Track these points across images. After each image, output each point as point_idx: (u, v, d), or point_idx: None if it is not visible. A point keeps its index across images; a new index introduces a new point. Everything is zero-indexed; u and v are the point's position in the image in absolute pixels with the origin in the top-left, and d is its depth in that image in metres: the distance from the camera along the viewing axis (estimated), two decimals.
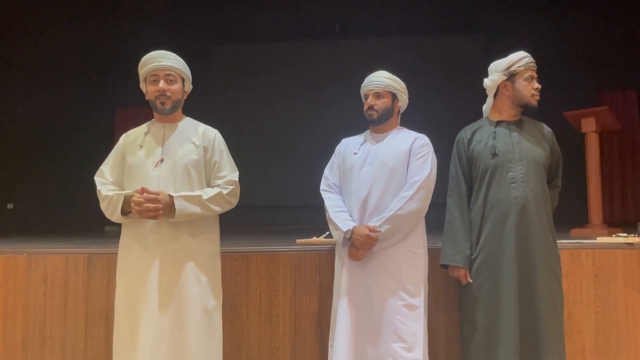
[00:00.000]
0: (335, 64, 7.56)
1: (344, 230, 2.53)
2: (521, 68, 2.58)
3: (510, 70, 2.59)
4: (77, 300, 3.00)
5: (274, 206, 7.50)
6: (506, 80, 2.61)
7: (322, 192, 2.77)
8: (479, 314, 2.51)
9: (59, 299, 3.01)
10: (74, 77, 7.28)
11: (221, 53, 7.94)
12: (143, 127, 2.58)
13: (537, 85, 2.59)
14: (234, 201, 2.54)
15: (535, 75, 2.59)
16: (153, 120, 2.60)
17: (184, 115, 2.63)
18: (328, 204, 2.69)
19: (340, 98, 6.57)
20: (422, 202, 2.54)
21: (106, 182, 2.50)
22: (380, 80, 2.68)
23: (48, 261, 3.05)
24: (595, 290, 2.93)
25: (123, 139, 2.58)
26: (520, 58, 2.59)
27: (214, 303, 2.47)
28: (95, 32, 7.40)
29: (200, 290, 2.41)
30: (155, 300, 2.32)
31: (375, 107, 2.68)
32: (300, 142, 7.46)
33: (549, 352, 2.41)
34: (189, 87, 2.61)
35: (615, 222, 5.43)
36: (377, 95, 2.68)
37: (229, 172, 2.55)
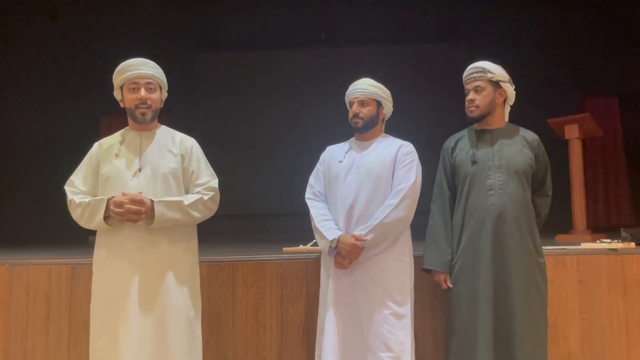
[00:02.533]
0: (320, 71, 7.57)
1: (330, 239, 2.53)
2: (465, 85, 2.67)
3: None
4: (60, 312, 2.95)
5: (260, 214, 7.48)
6: None
7: (307, 201, 2.77)
8: (457, 320, 2.55)
9: (41, 310, 2.96)
10: (57, 86, 7.21)
11: (206, 60, 7.92)
12: (117, 136, 2.53)
13: (469, 97, 2.62)
14: (214, 208, 2.51)
15: (470, 87, 2.62)
16: (127, 128, 2.54)
17: (159, 124, 2.58)
18: (313, 212, 2.68)
19: (325, 106, 6.57)
20: (408, 210, 2.55)
21: (78, 191, 2.43)
22: (365, 87, 2.68)
23: (30, 272, 3.00)
24: (580, 296, 2.95)
25: (96, 147, 2.51)
26: (463, 77, 2.67)
27: (194, 313, 2.45)
28: (79, 40, 7.34)
29: (183, 300, 2.39)
30: (137, 309, 2.28)
31: (361, 114, 2.68)
32: (285, 149, 7.45)
33: (523, 358, 2.42)
34: (164, 95, 2.57)
35: (599, 228, 5.49)
36: (362, 103, 2.68)
37: (209, 179, 2.52)
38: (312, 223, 2.67)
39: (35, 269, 3.00)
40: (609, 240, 3.19)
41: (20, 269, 3.00)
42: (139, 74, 2.40)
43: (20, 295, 2.98)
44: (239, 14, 7.75)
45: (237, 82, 7.79)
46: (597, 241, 3.23)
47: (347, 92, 2.76)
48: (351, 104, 2.73)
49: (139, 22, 7.40)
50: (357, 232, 2.52)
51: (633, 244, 3.12)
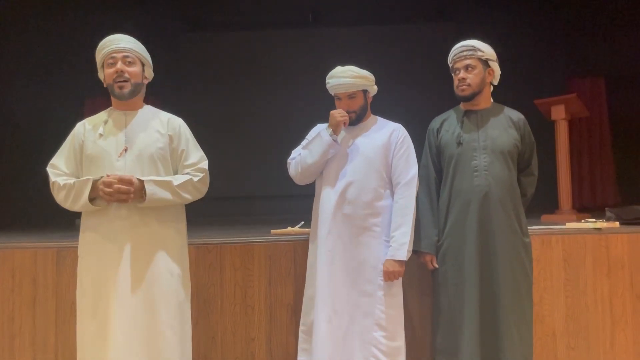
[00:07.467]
0: (307, 52, 7.50)
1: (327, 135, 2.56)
2: (451, 64, 2.66)
3: (450, 68, 2.68)
4: (47, 296, 2.94)
5: (248, 197, 7.45)
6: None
7: (290, 161, 2.72)
8: (444, 300, 2.58)
9: (27, 294, 2.95)
10: (40, 67, 7.08)
11: (193, 41, 7.81)
12: (101, 115, 2.46)
13: (460, 75, 2.59)
14: (204, 189, 2.48)
15: (460, 65, 2.59)
16: (112, 107, 2.47)
17: (144, 103, 2.52)
18: (299, 152, 2.68)
19: (313, 87, 6.49)
20: (415, 198, 2.60)
21: (60, 173, 2.37)
22: (352, 81, 2.57)
23: (16, 256, 2.97)
24: (565, 275, 2.99)
25: (79, 127, 2.43)
26: (450, 56, 2.66)
27: (184, 296, 2.42)
28: (62, 21, 7.19)
29: (173, 283, 2.36)
30: (128, 290, 2.25)
31: (352, 109, 2.62)
32: (273, 131, 7.40)
33: (508, 336, 2.46)
34: (149, 73, 2.49)
35: (584, 208, 5.54)
36: (350, 97, 2.62)
37: (198, 160, 2.47)
38: (303, 154, 2.66)
39: (20, 253, 2.98)
40: (594, 220, 3.23)
41: (6, 253, 2.98)
42: (115, 48, 2.35)
43: (6, 278, 2.96)
44: None
45: (224, 63, 7.71)
46: (582, 221, 3.27)
47: (330, 82, 2.63)
48: (337, 97, 2.65)
49: (124, 3, 7.27)
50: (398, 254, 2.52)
51: (617, 224, 3.16)
